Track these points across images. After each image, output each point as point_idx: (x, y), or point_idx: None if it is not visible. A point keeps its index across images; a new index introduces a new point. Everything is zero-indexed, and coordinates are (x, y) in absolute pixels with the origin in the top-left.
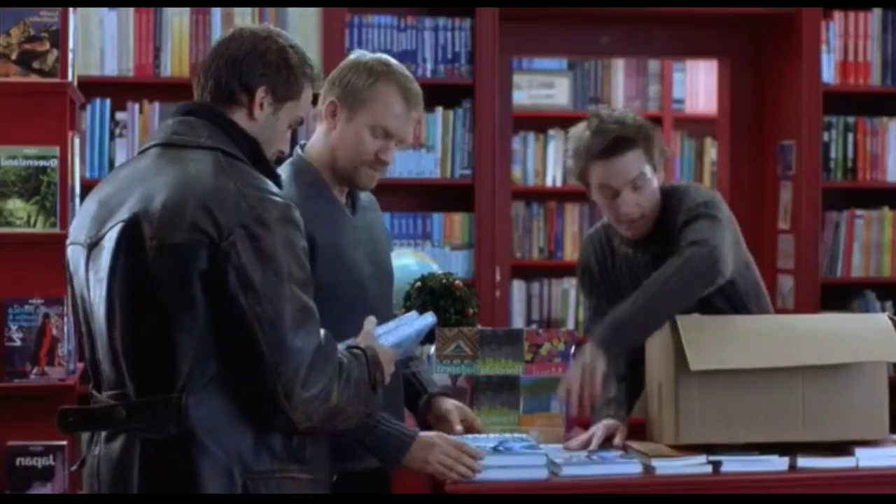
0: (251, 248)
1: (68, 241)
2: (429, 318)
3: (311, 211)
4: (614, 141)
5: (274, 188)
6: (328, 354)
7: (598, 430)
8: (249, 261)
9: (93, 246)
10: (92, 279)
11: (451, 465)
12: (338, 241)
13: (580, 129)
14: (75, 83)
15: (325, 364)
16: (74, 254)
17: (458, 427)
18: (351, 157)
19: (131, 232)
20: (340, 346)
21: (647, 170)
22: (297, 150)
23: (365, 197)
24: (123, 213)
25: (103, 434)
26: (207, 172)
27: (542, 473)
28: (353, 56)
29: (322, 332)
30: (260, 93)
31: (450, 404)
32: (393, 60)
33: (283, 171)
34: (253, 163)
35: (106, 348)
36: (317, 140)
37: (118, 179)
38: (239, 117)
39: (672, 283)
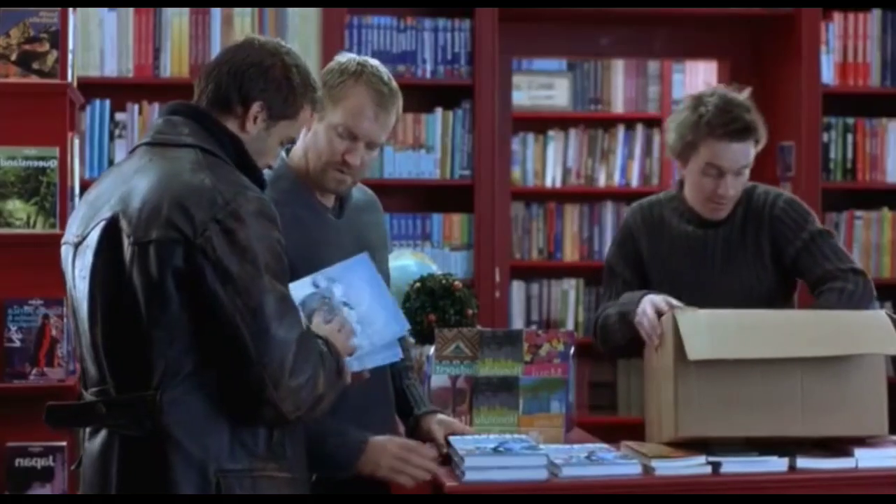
0: (226, 242)
1: (62, 242)
2: (364, 259)
3: (285, 218)
4: (745, 126)
5: (250, 183)
6: (310, 342)
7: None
8: (225, 253)
9: (78, 245)
10: (77, 277)
11: (400, 468)
12: (311, 245)
13: (698, 100)
14: (75, 84)
15: (309, 353)
16: (65, 253)
17: (443, 450)
18: (318, 157)
19: (111, 230)
20: None
21: (751, 160)
22: (282, 154)
23: (361, 197)
24: (105, 213)
25: (87, 431)
26: (185, 170)
27: (542, 474)
28: (337, 56)
29: (303, 320)
30: (255, 107)
31: (433, 422)
32: (373, 61)
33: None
34: (237, 163)
35: (88, 345)
36: (300, 143)
37: (106, 180)
38: (230, 126)
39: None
